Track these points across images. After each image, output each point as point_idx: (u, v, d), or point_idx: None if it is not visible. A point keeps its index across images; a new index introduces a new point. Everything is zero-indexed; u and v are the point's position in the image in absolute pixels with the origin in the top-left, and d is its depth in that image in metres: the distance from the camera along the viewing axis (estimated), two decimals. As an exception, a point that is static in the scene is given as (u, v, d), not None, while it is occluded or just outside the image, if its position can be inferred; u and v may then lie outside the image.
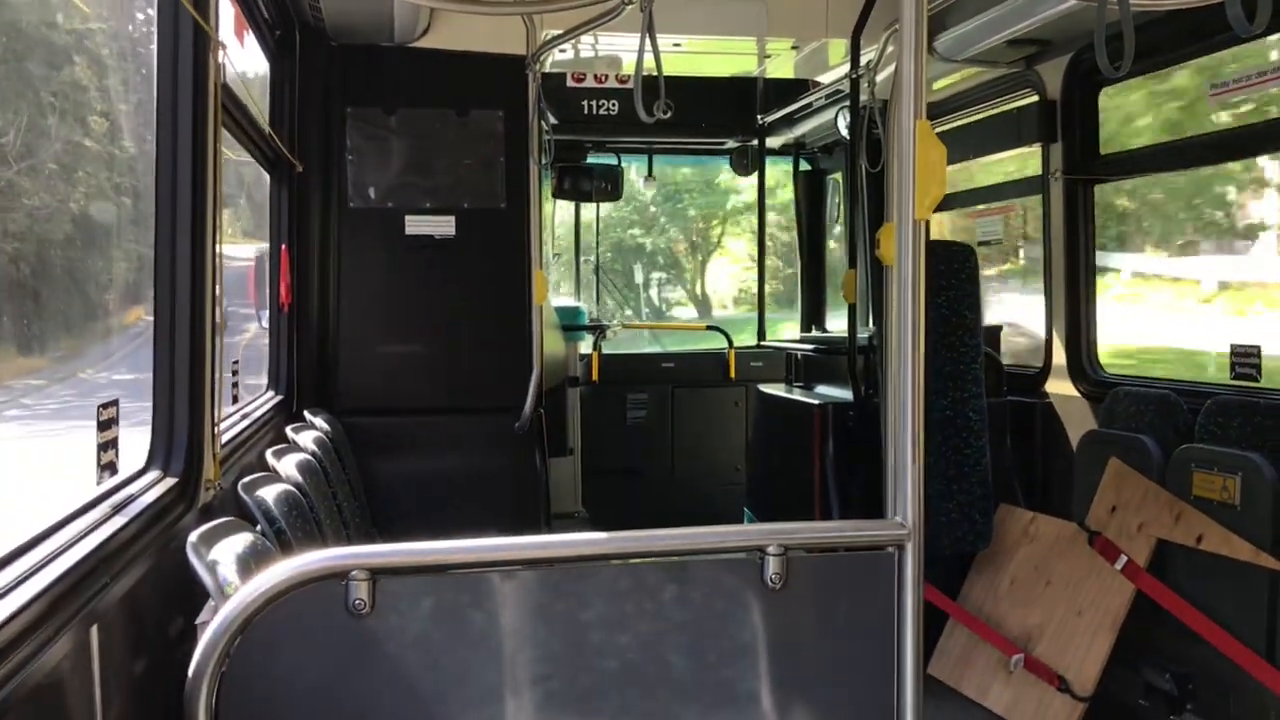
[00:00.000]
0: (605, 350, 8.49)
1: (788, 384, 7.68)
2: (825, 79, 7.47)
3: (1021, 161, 6.71)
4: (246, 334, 5.59)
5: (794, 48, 7.57)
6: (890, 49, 5.74)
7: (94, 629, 2.10)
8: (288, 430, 4.64)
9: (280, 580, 2.14)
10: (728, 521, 6.52)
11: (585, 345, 8.41)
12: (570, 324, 8.06)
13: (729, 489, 8.45)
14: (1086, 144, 5.99)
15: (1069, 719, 4.81)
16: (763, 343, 8.15)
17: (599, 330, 8.49)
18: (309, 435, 4.62)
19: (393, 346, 5.88)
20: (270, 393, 5.45)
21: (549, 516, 5.89)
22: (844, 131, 7.00)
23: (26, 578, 1.96)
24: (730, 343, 8.74)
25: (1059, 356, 6.10)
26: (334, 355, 5.81)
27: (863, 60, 5.84)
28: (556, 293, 9.27)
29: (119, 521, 2.48)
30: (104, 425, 2.60)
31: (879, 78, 5.92)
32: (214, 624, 2.12)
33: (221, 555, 2.52)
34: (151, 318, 3.16)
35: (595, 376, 8.29)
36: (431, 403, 5.89)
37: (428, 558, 2.30)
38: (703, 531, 2.49)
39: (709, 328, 9.27)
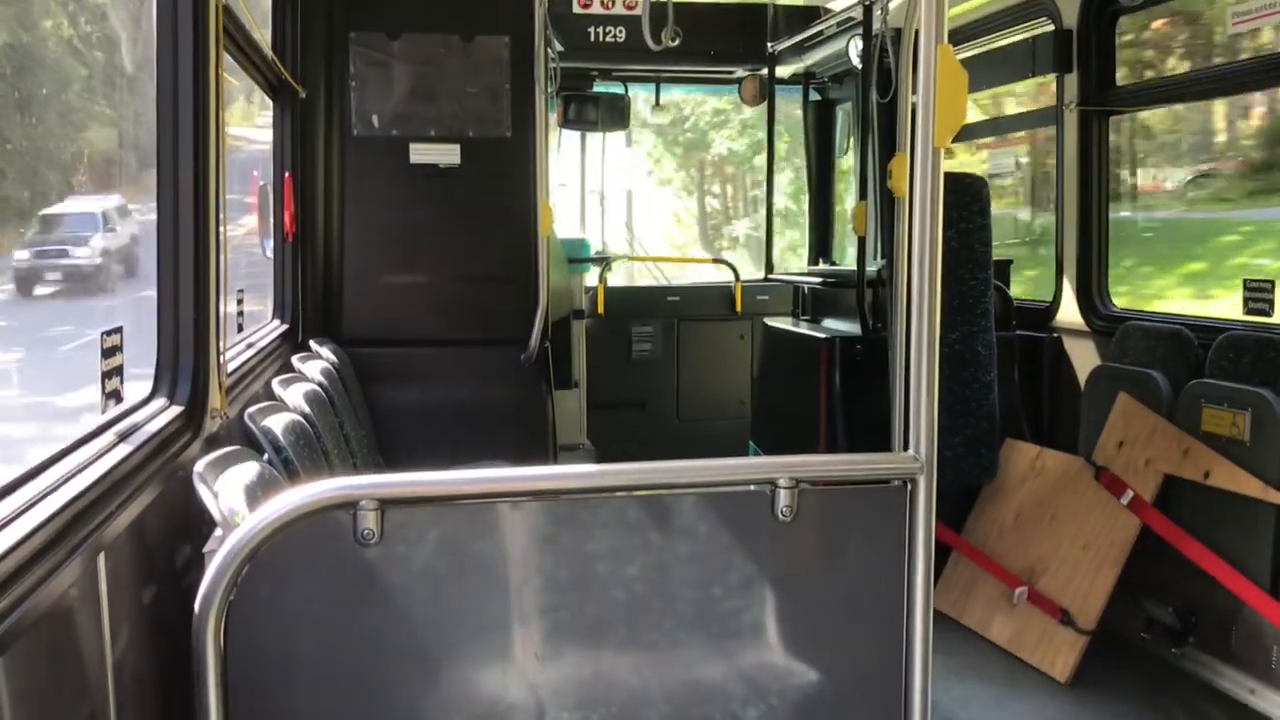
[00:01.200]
0: (611, 283, 8.43)
1: (795, 317, 7.63)
2: (836, 6, 7.31)
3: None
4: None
5: None
6: None
7: (101, 556, 2.09)
8: (293, 360, 4.62)
9: (289, 509, 2.13)
10: (732, 455, 6.52)
11: (591, 278, 8.36)
12: (576, 256, 7.99)
13: (734, 423, 8.44)
14: (1102, 75, 5.88)
15: (1071, 651, 4.85)
16: (770, 276, 8.10)
17: (605, 263, 8.42)
18: (315, 365, 4.60)
19: (398, 276, 5.84)
20: (275, 322, 5.42)
21: (555, 448, 5.89)
22: (855, 60, 6.87)
23: (34, 504, 1.95)
24: (737, 276, 8.68)
25: (1069, 290, 6.05)
26: (339, 285, 5.77)
27: None
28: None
29: (125, 449, 2.46)
30: (108, 352, 2.57)
31: (892, 5, 5.80)
32: (222, 552, 2.11)
33: (229, 484, 2.51)
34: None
35: (601, 309, 8.24)
36: (437, 333, 5.86)
37: (437, 488, 2.29)
38: (714, 464, 2.47)
39: (716, 260, 9.20)
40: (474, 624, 2.33)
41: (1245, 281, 4.96)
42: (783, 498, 2.36)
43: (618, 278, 8.76)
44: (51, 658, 1.90)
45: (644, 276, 9.66)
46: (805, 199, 8.62)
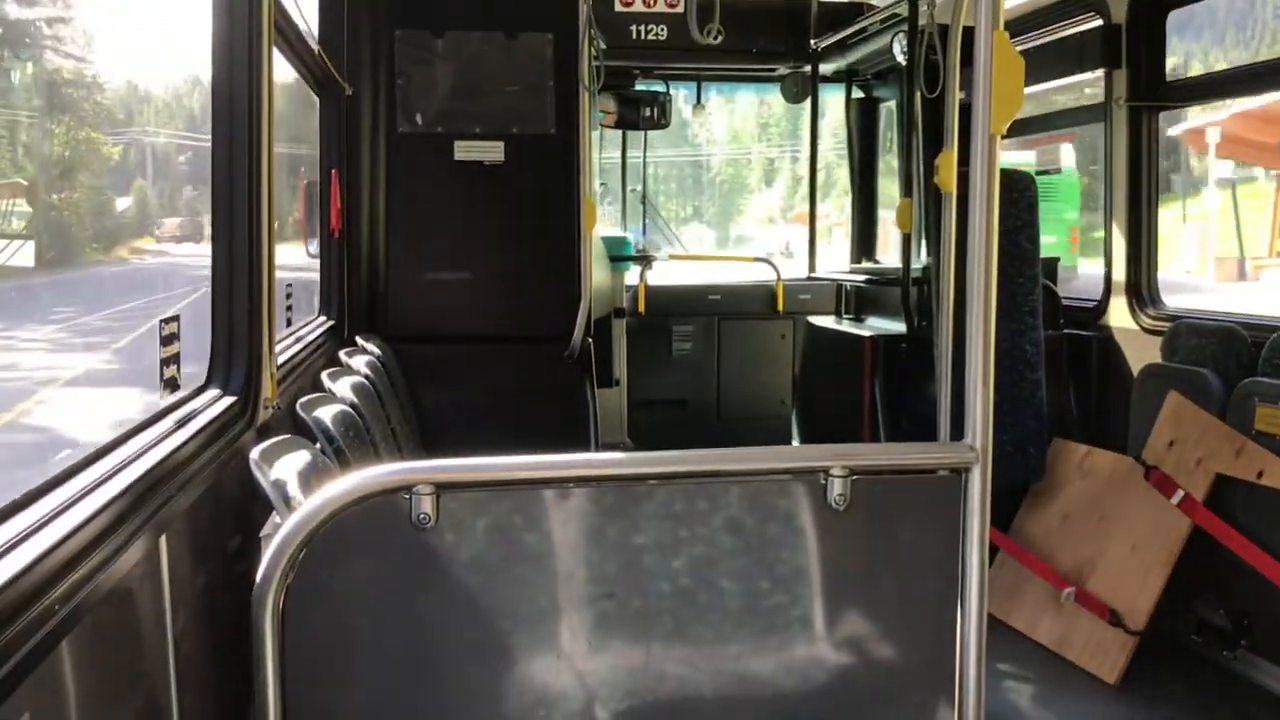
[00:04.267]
0: (652, 282, 8.43)
1: (838, 316, 7.60)
2: (881, 2, 7.28)
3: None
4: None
5: None
6: None
7: (163, 538, 2.12)
8: (340, 354, 4.66)
9: (346, 493, 2.15)
10: None
11: (632, 276, 8.35)
12: (618, 254, 7.99)
13: (775, 422, 8.41)
14: (1152, 70, 5.81)
15: (1120, 653, 4.79)
16: (812, 275, 8.06)
17: (646, 261, 8.42)
18: (361, 359, 4.65)
19: (442, 273, 5.87)
20: (322, 318, 5.47)
21: (598, 446, 5.89)
22: (900, 57, 6.83)
23: (100, 484, 1.98)
24: (779, 275, 8.65)
25: (1118, 288, 5.98)
26: (384, 281, 5.81)
27: None
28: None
29: (183, 435, 2.49)
30: (166, 340, 2.61)
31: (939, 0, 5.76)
32: (280, 534, 2.13)
33: (284, 471, 2.54)
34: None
35: (642, 308, 8.24)
36: (480, 330, 5.89)
37: (493, 473, 2.30)
38: (768, 451, 2.47)
39: (757, 260, 9.17)
40: (526, 610, 2.34)
41: None
42: (836, 486, 2.35)
43: (659, 276, 8.75)
44: (115, 635, 1.93)
45: (686, 275, 9.64)
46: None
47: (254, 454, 2.60)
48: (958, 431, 2.45)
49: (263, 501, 2.55)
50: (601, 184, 9.32)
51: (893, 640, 2.51)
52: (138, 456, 2.22)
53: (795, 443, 7.78)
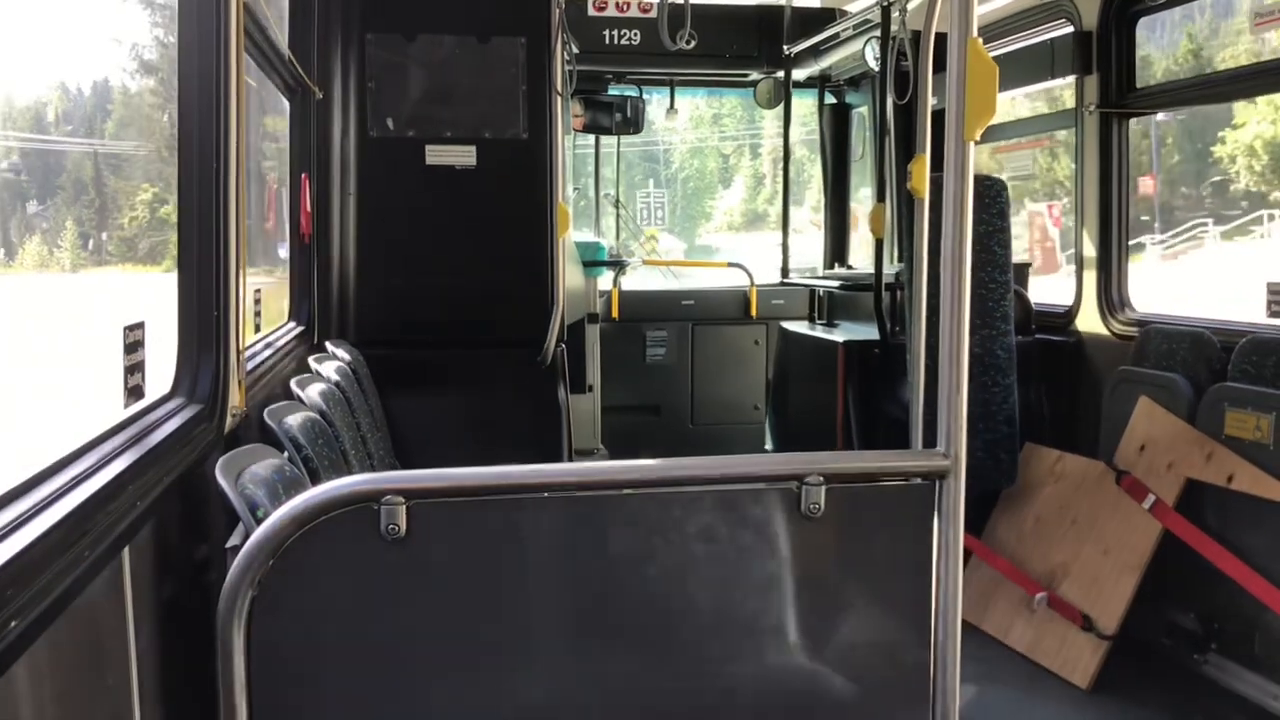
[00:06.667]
0: (625, 286, 8.42)
1: (811, 321, 7.61)
2: (853, 8, 7.31)
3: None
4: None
5: None
6: None
7: (126, 551, 2.08)
8: (310, 360, 4.61)
9: (314, 503, 2.11)
10: None
11: (605, 282, 8.33)
12: (591, 259, 7.97)
13: (749, 427, 8.42)
14: (1122, 76, 5.85)
15: (1092, 657, 4.81)
16: (785, 280, 8.07)
17: (619, 266, 8.40)
18: (331, 365, 4.59)
19: (414, 278, 5.82)
20: (291, 323, 5.41)
21: (572, 451, 5.86)
22: (872, 63, 6.86)
23: (58, 497, 1.93)
24: (752, 280, 8.66)
25: (1089, 294, 6.01)
26: (355, 286, 5.75)
27: None
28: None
29: (146, 445, 2.44)
30: (130, 348, 2.55)
31: (910, 6, 5.78)
32: (248, 547, 2.09)
33: (251, 480, 2.50)
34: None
35: (615, 313, 8.22)
36: (452, 336, 5.84)
37: (463, 483, 2.27)
38: (742, 459, 2.46)
39: (731, 265, 9.18)
40: (497, 621, 2.31)
41: (1269, 284, 4.92)
42: (810, 494, 2.34)
43: (632, 281, 8.74)
44: (76, 652, 1.89)
45: (659, 280, 9.65)
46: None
47: (220, 463, 2.55)
48: (931, 438, 2.44)
49: (229, 512, 2.50)
50: (575, 188, 9.29)
51: (867, 647, 2.50)
52: (100, 467, 2.17)
53: (769, 447, 7.77)
